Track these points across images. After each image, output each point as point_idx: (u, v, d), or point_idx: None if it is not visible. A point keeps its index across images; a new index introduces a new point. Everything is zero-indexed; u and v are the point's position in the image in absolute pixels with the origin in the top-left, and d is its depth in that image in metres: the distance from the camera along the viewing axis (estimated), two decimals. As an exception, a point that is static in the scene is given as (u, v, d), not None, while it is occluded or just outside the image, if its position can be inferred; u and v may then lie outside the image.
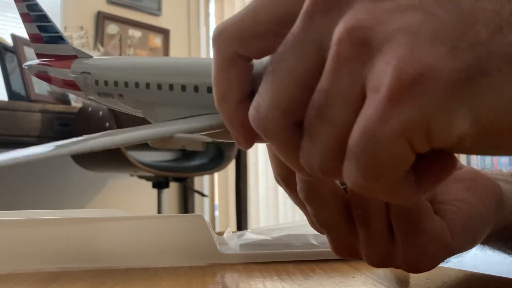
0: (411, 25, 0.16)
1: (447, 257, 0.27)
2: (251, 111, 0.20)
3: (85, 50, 2.41)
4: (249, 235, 0.40)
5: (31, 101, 1.71)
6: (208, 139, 0.28)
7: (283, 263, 0.38)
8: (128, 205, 2.51)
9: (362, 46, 0.16)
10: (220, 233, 0.44)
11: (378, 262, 0.26)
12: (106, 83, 0.34)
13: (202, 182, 2.97)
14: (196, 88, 0.29)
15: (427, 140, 0.16)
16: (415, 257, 0.25)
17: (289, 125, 0.19)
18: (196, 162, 2.00)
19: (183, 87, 0.29)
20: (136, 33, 2.81)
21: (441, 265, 0.36)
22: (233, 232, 0.43)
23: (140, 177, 1.92)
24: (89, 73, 0.37)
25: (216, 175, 3.01)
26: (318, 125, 0.18)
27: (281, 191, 3.30)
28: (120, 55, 1.90)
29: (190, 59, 0.34)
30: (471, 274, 0.34)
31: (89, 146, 0.26)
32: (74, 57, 0.45)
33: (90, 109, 1.63)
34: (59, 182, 2.32)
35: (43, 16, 0.45)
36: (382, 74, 0.16)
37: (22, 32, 1.84)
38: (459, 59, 0.15)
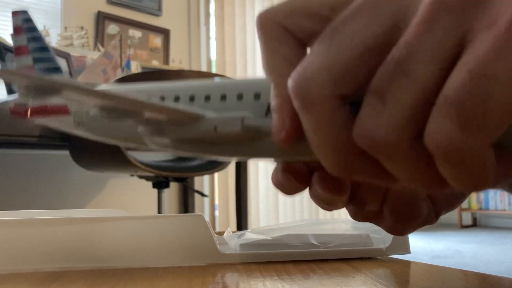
0: None
1: None
2: (293, 75, 0.18)
3: (85, 50, 2.39)
4: (249, 235, 0.40)
5: (31, 101, 1.71)
6: (248, 114, 0.24)
7: (283, 263, 0.38)
8: (128, 205, 2.51)
9: None
10: (220, 233, 0.44)
11: (362, 221, 0.27)
12: None
13: (202, 182, 2.97)
14: (240, 96, 0.25)
15: None
16: (398, 230, 0.26)
17: (336, 95, 0.17)
18: (196, 162, 2.00)
19: (223, 97, 0.25)
20: (136, 33, 2.81)
21: (440, 265, 0.36)
22: (233, 232, 0.43)
23: (140, 177, 1.92)
24: None
25: (216, 175, 3.02)
26: (396, 82, 0.16)
27: (281, 191, 3.30)
28: (121, 55, 1.89)
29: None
30: (471, 274, 0.34)
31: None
32: None
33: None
34: (59, 182, 2.32)
35: (43, 48, 0.44)
36: (501, 7, 0.15)
37: (22, 32, 1.84)
38: None
